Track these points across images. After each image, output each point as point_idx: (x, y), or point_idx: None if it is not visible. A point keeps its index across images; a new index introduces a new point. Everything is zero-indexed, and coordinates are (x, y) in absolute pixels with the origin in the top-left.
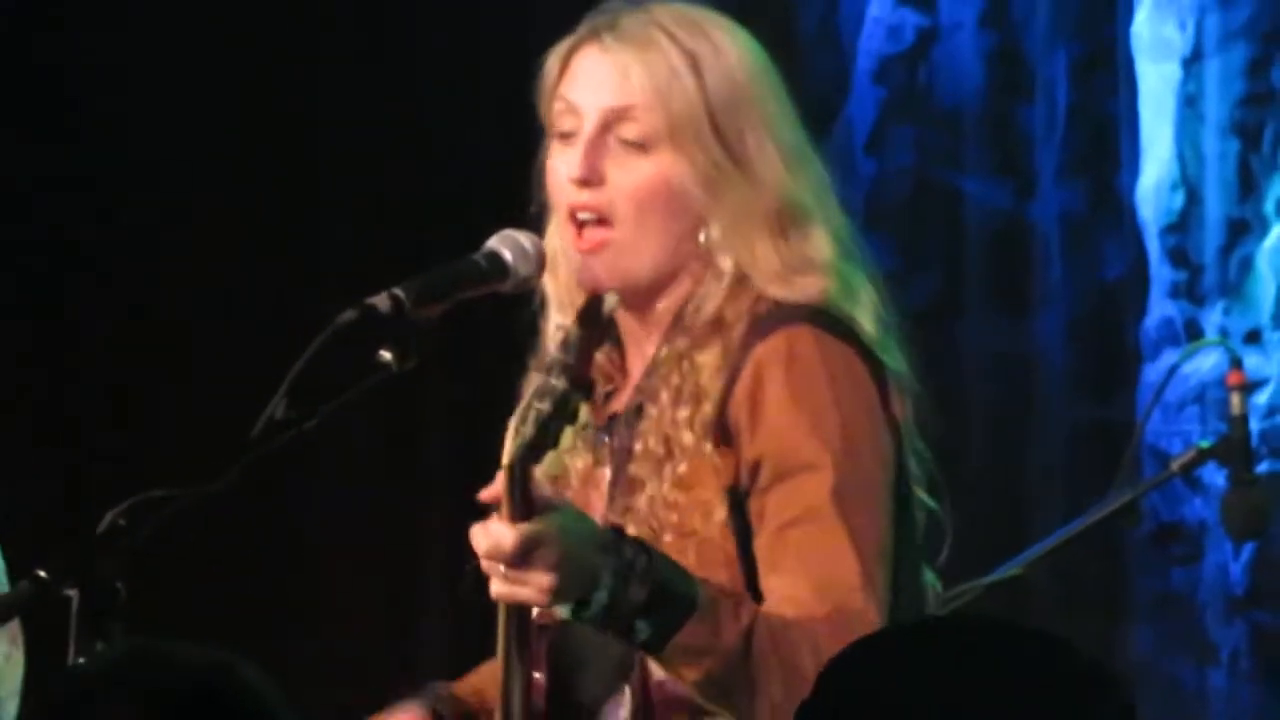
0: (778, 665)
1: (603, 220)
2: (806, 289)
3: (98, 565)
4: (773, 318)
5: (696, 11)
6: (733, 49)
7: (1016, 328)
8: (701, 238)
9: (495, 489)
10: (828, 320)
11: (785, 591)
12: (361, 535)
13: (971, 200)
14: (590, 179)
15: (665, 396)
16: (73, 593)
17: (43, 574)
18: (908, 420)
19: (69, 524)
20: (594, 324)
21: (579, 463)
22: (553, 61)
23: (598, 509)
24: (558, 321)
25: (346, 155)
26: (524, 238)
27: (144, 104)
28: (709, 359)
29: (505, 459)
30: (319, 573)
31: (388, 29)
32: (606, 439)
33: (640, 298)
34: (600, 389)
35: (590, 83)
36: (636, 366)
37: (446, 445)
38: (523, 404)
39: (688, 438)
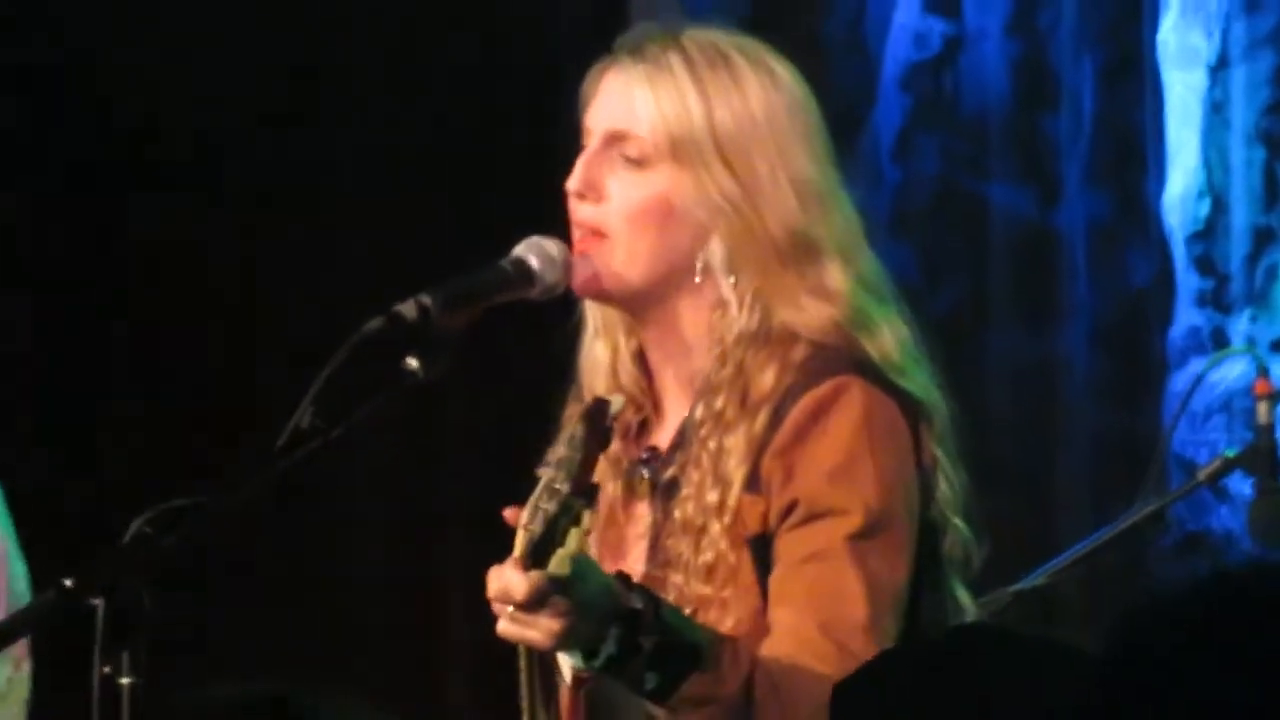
0: (778, 710)
1: (598, 232)
2: (817, 313)
3: (123, 575)
4: (820, 365)
5: (730, 40)
6: (754, 82)
7: (1042, 336)
8: (700, 262)
9: (516, 511)
10: (873, 371)
11: (790, 625)
12: (382, 553)
13: (997, 208)
14: (585, 192)
15: (696, 477)
16: (98, 602)
17: (67, 583)
18: (942, 452)
19: (95, 533)
20: (598, 426)
21: (609, 487)
22: (586, 84)
23: (634, 550)
24: (596, 350)
25: (373, 165)
26: (551, 245)
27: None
28: (738, 443)
29: (515, 552)
30: (341, 586)
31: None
32: (645, 473)
33: (637, 306)
34: (631, 418)
35: (602, 103)
36: (670, 391)
37: (466, 467)
38: (533, 496)
39: (715, 528)
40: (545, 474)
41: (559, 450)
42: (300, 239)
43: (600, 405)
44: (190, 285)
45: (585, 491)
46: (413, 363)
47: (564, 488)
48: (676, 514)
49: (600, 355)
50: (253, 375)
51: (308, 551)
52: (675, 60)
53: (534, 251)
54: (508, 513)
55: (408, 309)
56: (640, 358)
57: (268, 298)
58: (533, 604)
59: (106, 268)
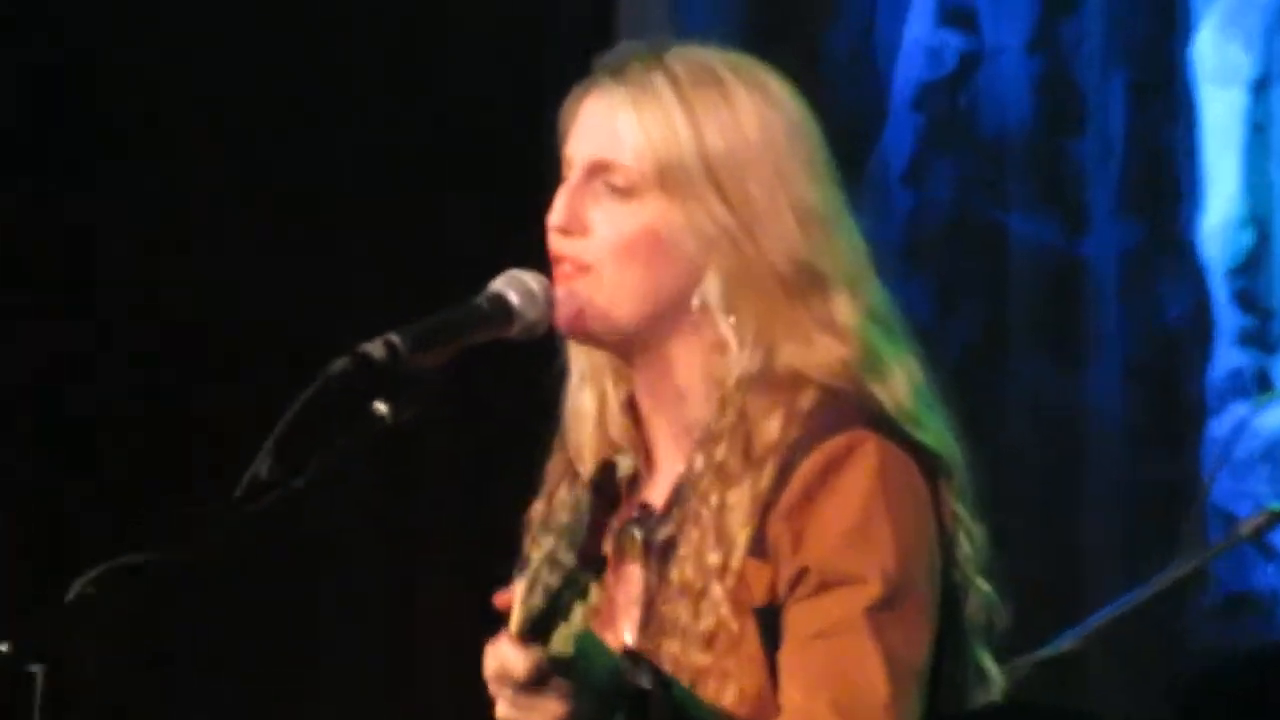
0: None
1: (582, 266)
2: (827, 352)
3: (66, 638)
4: (830, 417)
5: (720, 58)
6: (748, 101)
7: (1067, 378)
8: (696, 299)
9: (508, 596)
10: (888, 424)
11: (804, 707)
12: (357, 594)
13: (1017, 238)
14: (569, 227)
15: (695, 535)
16: (38, 669)
17: (4, 648)
18: (963, 508)
19: (37, 592)
20: (607, 491)
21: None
22: (565, 111)
23: (625, 617)
24: (582, 399)
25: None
26: (531, 279)
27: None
28: (741, 499)
29: (513, 628)
30: (314, 639)
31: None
32: (637, 533)
33: (626, 348)
34: (629, 471)
35: (583, 130)
36: (663, 442)
37: (445, 501)
38: (530, 568)
39: (717, 592)
40: (545, 542)
41: (562, 517)
42: (300, 239)
43: (608, 468)
44: (186, 284)
45: (592, 563)
46: (381, 407)
47: (568, 559)
48: (674, 576)
49: (586, 404)
50: (254, 377)
51: (275, 589)
52: (660, 81)
53: (513, 286)
54: (499, 598)
55: (376, 349)
56: (630, 406)
57: (268, 298)
58: (533, 685)
59: (105, 267)
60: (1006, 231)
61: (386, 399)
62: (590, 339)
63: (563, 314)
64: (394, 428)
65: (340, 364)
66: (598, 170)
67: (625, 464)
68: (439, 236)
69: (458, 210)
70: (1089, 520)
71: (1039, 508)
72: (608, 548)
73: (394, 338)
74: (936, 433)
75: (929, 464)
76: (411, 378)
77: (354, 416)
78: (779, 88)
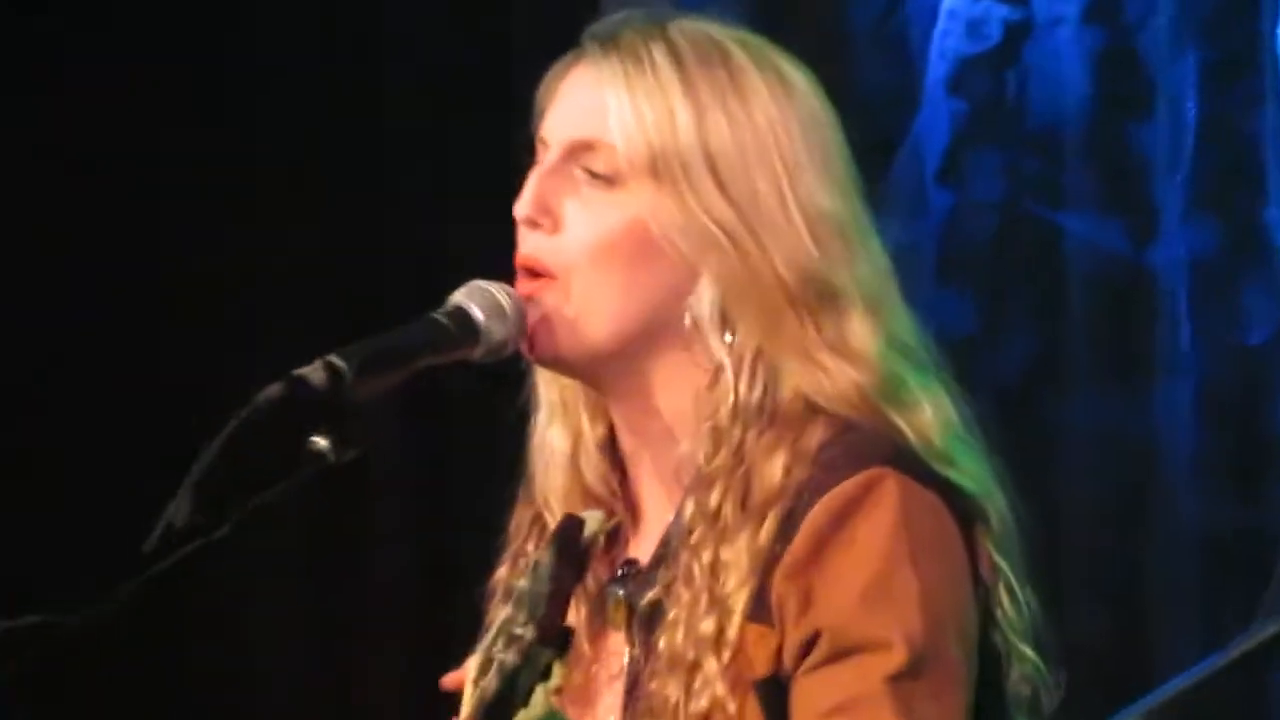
0: None
1: (542, 272)
2: (841, 376)
3: None
4: (843, 453)
5: (728, 34)
6: (760, 84)
7: (1133, 405)
8: (687, 313)
9: (459, 677)
10: (912, 461)
11: None
12: (288, 678)
13: (1075, 242)
14: (537, 217)
15: (686, 597)
16: None
17: None
18: (1004, 560)
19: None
20: (571, 552)
21: (572, 616)
22: (544, 87)
23: (605, 696)
24: (552, 437)
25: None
26: (500, 291)
27: None
28: (739, 554)
29: (464, 714)
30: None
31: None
32: (620, 596)
33: (602, 374)
34: (599, 529)
35: (563, 106)
36: (649, 488)
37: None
38: (484, 643)
39: (711, 666)
40: (500, 613)
41: (520, 582)
42: (260, 234)
43: (571, 525)
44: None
45: (555, 638)
46: (321, 442)
47: (527, 633)
48: (661, 646)
49: (557, 444)
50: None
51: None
52: (659, 54)
53: (477, 300)
54: (448, 679)
55: (315, 374)
56: (610, 446)
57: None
58: None
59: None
60: (1061, 236)
61: (327, 433)
62: (558, 363)
63: (530, 338)
64: (336, 467)
65: (272, 391)
66: (577, 152)
67: (593, 521)
68: (385, 230)
69: (409, 202)
70: (1156, 574)
71: (1097, 559)
72: (579, 616)
73: (336, 360)
74: (972, 471)
75: (962, 506)
76: (357, 407)
77: (288, 453)
78: (795, 73)
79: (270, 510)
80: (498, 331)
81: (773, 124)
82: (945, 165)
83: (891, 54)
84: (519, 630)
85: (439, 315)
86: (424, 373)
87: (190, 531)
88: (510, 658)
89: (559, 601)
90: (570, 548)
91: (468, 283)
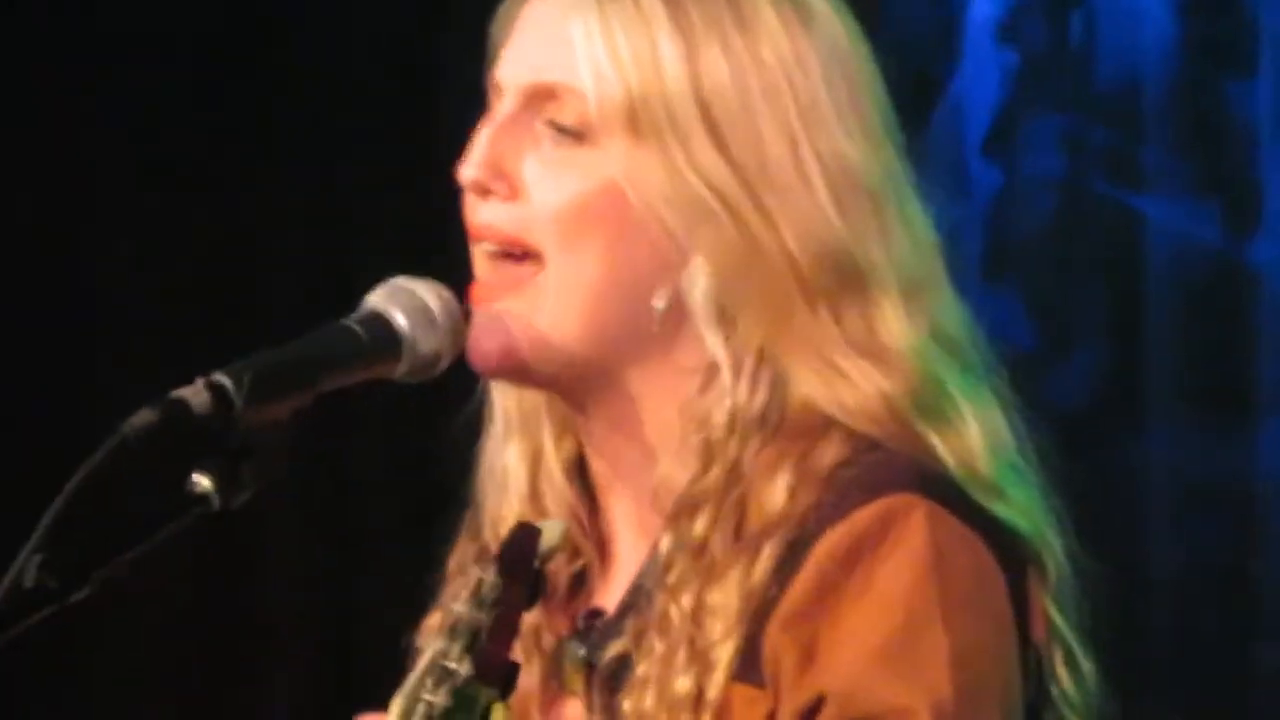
0: None
1: (519, 252)
2: (863, 383)
3: None
4: (860, 475)
5: None
6: (770, 12)
7: (1229, 437)
8: (660, 302)
9: None
10: (947, 488)
11: None
12: None
13: (1156, 233)
14: (489, 182)
15: (660, 650)
16: None
17: None
18: (1061, 618)
19: None
20: (522, 569)
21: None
22: (499, 19)
23: None
24: (508, 456)
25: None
26: (429, 292)
27: None
28: (727, 597)
29: None
30: None
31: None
32: (580, 652)
33: (571, 383)
34: (558, 543)
35: (521, 44)
36: (624, 521)
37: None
38: (412, 680)
39: None
40: (431, 646)
41: (456, 606)
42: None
43: (524, 535)
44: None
45: (497, 675)
46: (204, 481)
47: (462, 668)
48: (626, 709)
49: (513, 467)
50: None
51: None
52: None
53: (400, 303)
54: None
55: (196, 396)
56: (578, 469)
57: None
58: None
59: None
60: (1139, 224)
61: (210, 469)
62: (519, 380)
63: (482, 345)
64: (222, 512)
65: (141, 419)
66: (537, 100)
67: (552, 532)
68: (311, 201)
69: (342, 170)
70: (1260, 655)
71: (1187, 626)
72: (529, 676)
73: (222, 379)
74: (1024, 507)
75: (1010, 548)
76: (250, 439)
77: (163, 494)
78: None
79: (144, 565)
80: (425, 343)
81: (784, 61)
82: (993, 133)
83: None
84: (453, 665)
85: (351, 323)
86: (331, 395)
87: (39, 593)
88: (440, 699)
89: (504, 631)
90: (520, 564)
91: (387, 281)
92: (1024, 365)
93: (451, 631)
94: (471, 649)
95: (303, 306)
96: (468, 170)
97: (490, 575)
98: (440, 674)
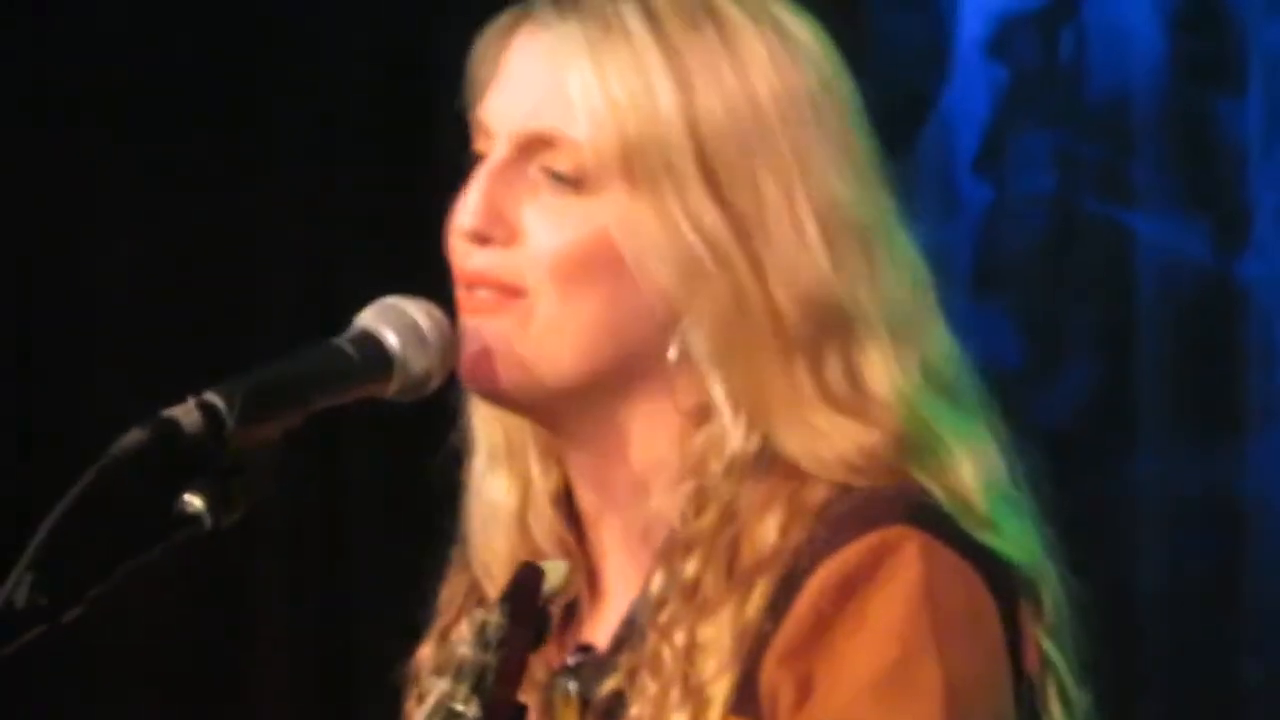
0: None
1: (512, 289)
2: (843, 441)
3: None
4: (853, 510)
5: None
6: (759, 48)
7: (1219, 457)
8: (673, 350)
9: None
10: (940, 520)
11: None
12: None
13: (1146, 250)
14: (488, 231)
15: (653, 688)
16: None
17: None
18: (1055, 649)
19: None
20: (526, 610)
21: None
22: (480, 54)
23: None
24: (493, 487)
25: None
26: (419, 311)
27: None
28: (720, 634)
29: None
30: None
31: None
32: (571, 688)
33: (562, 417)
34: (562, 584)
35: (510, 86)
36: (614, 555)
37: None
38: None
39: None
40: (435, 687)
41: (462, 649)
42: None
43: (529, 576)
44: None
45: (505, 716)
46: (195, 502)
47: (470, 710)
48: None
49: (500, 497)
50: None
51: None
52: (630, 13)
53: (391, 322)
54: None
55: (187, 416)
56: (565, 500)
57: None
58: None
59: None
60: (1129, 242)
61: (201, 489)
62: (509, 402)
63: (471, 365)
64: (214, 532)
65: (132, 439)
66: (533, 148)
67: (556, 573)
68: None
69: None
70: (1254, 674)
71: (1177, 643)
72: (528, 698)
73: (214, 400)
74: (1019, 540)
75: (1004, 579)
76: (241, 459)
77: (154, 514)
78: (800, 27)
79: (135, 584)
80: (417, 362)
81: (778, 99)
82: (983, 150)
83: (917, 14)
84: (460, 707)
85: (342, 342)
86: (322, 414)
87: (32, 614)
88: None
89: (511, 673)
90: (526, 606)
91: (378, 300)
92: (1014, 382)
93: (457, 673)
94: (478, 690)
95: (300, 308)
96: (465, 219)
97: (495, 616)
98: (447, 715)
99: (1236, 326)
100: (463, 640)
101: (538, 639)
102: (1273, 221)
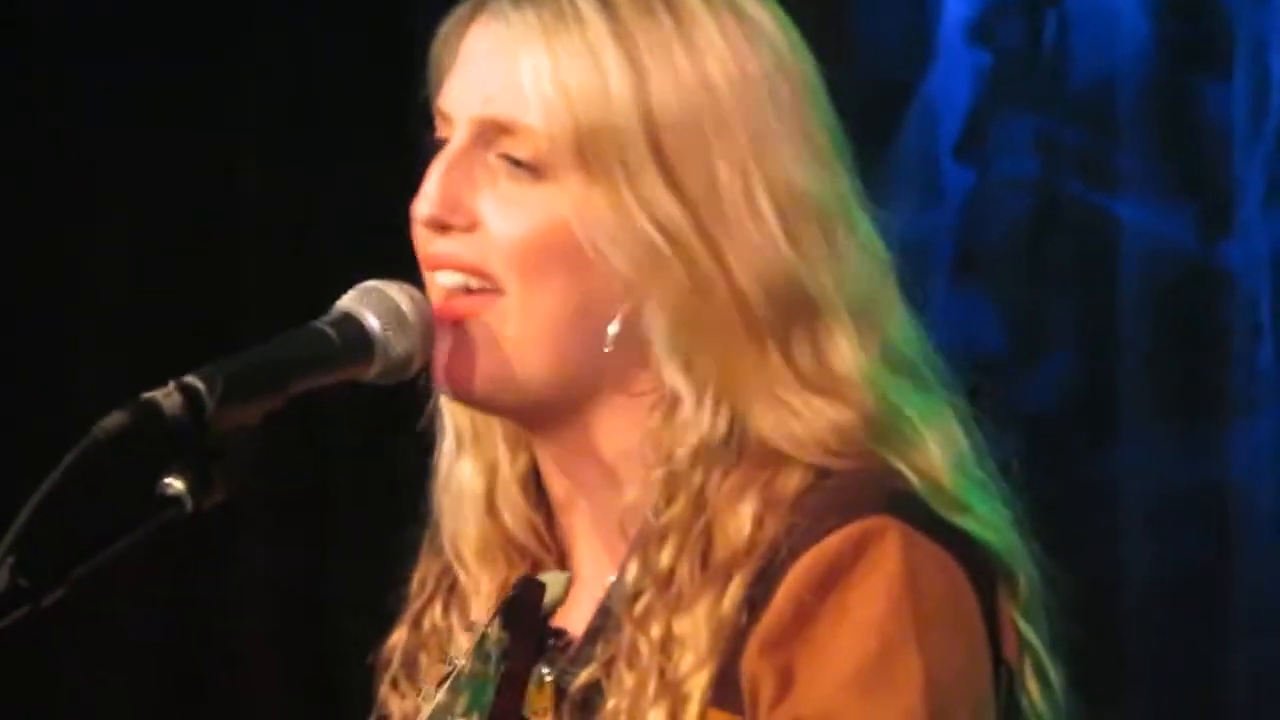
0: None
1: (477, 285)
2: (816, 419)
3: None
4: (829, 499)
5: None
6: (714, 32)
7: (1203, 447)
8: (612, 329)
9: None
10: (917, 508)
11: None
12: None
13: (1130, 235)
14: (447, 216)
15: (630, 681)
16: None
17: None
18: (1032, 633)
19: None
20: (527, 627)
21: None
22: (440, 43)
23: None
24: (462, 472)
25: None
26: (401, 294)
27: None
28: (697, 626)
29: None
30: None
31: None
32: (546, 676)
33: (531, 412)
34: (561, 595)
35: (467, 74)
36: (584, 540)
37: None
38: None
39: None
40: (429, 700)
41: (460, 661)
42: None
43: (529, 589)
44: None
45: None
46: (176, 484)
47: None
48: None
49: (468, 481)
50: None
51: None
52: (585, 3)
53: (372, 305)
54: None
55: (167, 399)
56: (534, 484)
57: None
58: None
59: None
60: (1112, 227)
61: (182, 472)
62: (483, 405)
63: (446, 366)
64: (195, 516)
65: (112, 422)
66: (489, 134)
67: (556, 586)
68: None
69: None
70: (1236, 664)
71: (1162, 633)
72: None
73: (195, 382)
74: (991, 521)
75: (979, 565)
76: (222, 441)
77: (135, 497)
78: (760, 11)
79: (115, 569)
80: (399, 345)
81: (732, 83)
82: (965, 135)
83: None
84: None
85: (323, 325)
86: (302, 397)
87: (13, 597)
88: None
89: (513, 686)
90: (526, 620)
91: (359, 284)
92: (996, 369)
93: (454, 685)
94: (479, 704)
95: (285, 304)
96: (423, 206)
97: (494, 629)
98: None
99: (1220, 312)
100: (460, 653)
101: (537, 652)
102: (1257, 207)
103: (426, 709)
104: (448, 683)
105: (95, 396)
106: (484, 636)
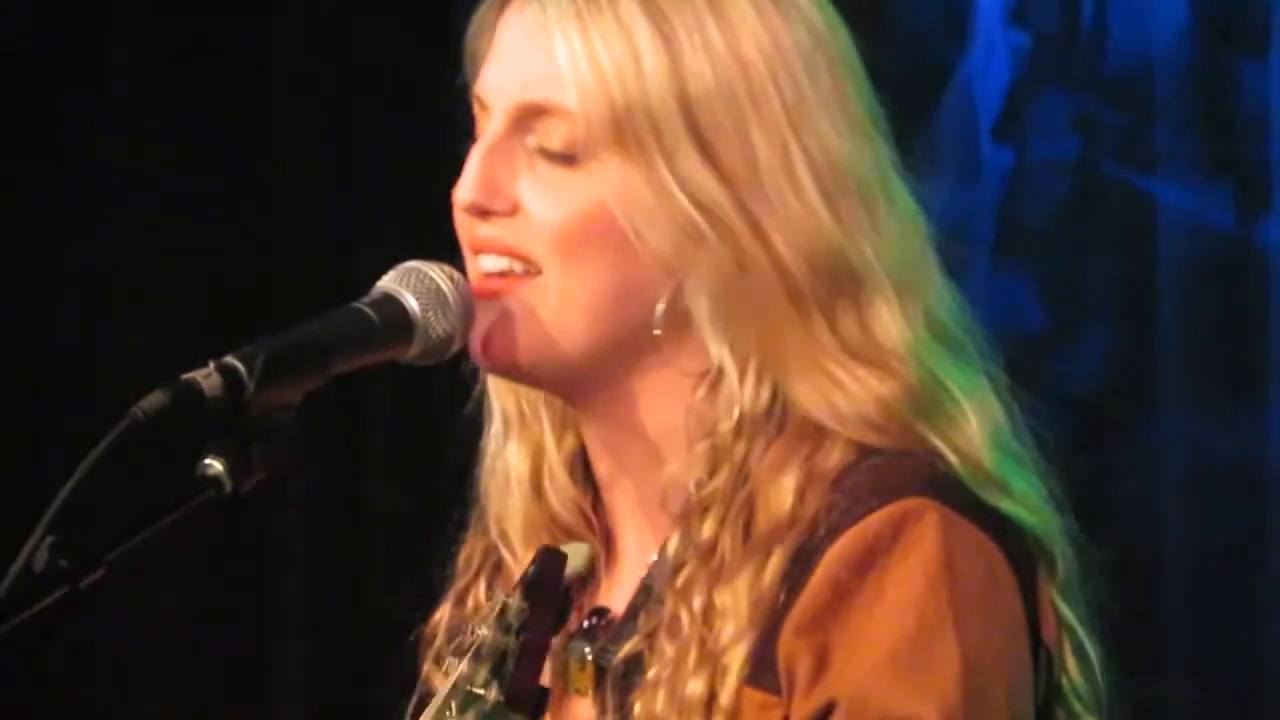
0: None
1: (520, 269)
2: (860, 391)
3: None
4: (870, 478)
5: None
6: (747, 7)
7: (1241, 425)
8: (660, 307)
9: None
10: (956, 490)
11: None
12: None
13: (1168, 216)
14: (488, 202)
15: (671, 653)
16: None
17: None
18: (1071, 614)
19: None
20: (548, 594)
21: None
22: (475, 29)
23: None
24: (509, 454)
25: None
26: (440, 275)
27: None
28: (738, 600)
29: None
30: None
31: None
32: (588, 652)
33: (574, 387)
34: (584, 566)
35: (503, 60)
36: (628, 519)
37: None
38: (435, 705)
39: None
40: (456, 669)
41: (481, 630)
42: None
43: (550, 560)
44: None
45: (527, 700)
46: (215, 465)
47: (490, 694)
48: (638, 711)
49: (514, 464)
50: None
51: None
52: None
53: (412, 285)
54: None
55: (209, 380)
56: (580, 465)
57: None
58: None
59: None
60: (1151, 208)
61: (222, 454)
62: (524, 377)
63: (484, 339)
64: (234, 498)
65: (152, 402)
66: (527, 118)
67: (579, 555)
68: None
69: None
70: (1275, 625)
71: (1197, 612)
72: (547, 677)
73: (235, 363)
74: (1030, 502)
75: (1018, 547)
76: (261, 422)
77: (174, 479)
78: None
79: (154, 548)
80: (438, 326)
81: (767, 57)
82: (1003, 117)
83: None
84: (479, 690)
85: (363, 305)
86: (343, 378)
87: (53, 577)
88: None
89: (533, 656)
90: (547, 590)
91: (399, 265)
92: (1035, 348)
93: (476, 655)
94: (499, 674)
95: (319, 277)
96: (464, 192)
97: (516, 600)
98: (465, 698)
99: (1258, 291)
100: (482, 621)
101: (559, 623)
102: None
103: (449, 679)
104: (469, 652)
105: (127, 381)
106: (505, 607)
